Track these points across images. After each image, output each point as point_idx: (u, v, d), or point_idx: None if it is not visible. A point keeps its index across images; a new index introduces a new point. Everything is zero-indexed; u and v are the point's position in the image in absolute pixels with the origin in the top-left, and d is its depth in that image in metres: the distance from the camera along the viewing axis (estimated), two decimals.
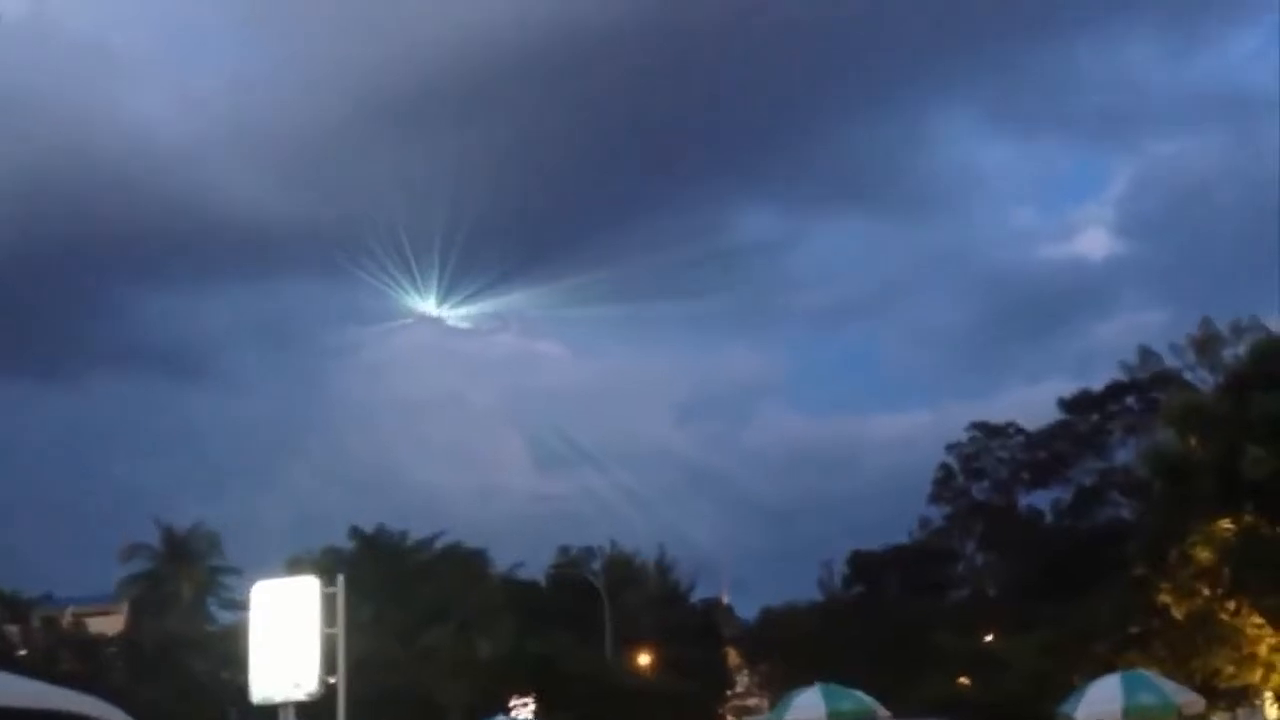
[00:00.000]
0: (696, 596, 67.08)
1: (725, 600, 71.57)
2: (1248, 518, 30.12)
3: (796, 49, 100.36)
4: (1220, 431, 30.57)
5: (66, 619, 45.60)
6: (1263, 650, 29.58)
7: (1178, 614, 31.52)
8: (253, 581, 13.54)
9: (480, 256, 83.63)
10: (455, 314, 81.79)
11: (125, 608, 47.89)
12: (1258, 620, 29.57)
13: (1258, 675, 30.13)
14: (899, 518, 63.32)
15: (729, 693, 68.26)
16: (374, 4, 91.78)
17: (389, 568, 44.29)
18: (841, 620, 61.32)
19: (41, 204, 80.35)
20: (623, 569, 61.66)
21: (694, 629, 62.40)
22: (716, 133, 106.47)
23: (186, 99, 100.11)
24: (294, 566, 33.57)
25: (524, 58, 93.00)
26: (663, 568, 64.68)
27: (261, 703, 12.73)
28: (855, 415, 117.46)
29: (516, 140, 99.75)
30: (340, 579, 13.08)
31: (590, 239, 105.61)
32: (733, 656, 70.46)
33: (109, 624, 46.46)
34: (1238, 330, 34.79)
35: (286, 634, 12.63)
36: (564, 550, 63.40)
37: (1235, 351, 33.78)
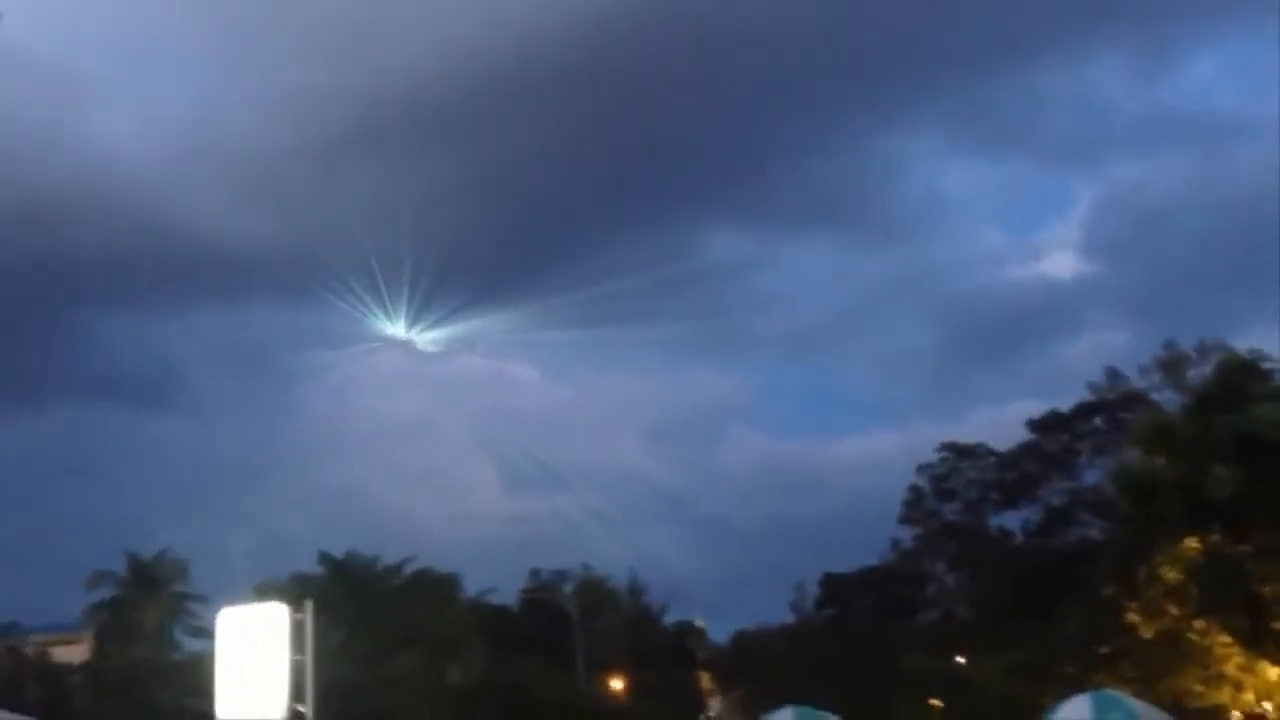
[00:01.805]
0: (669, 620, 67.17)
1: (698, 623, 71.55)
2: (1214, 537, 30.40)
3: (764, 72, 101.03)
4: (1186, 451, 30.89)
5: (31, 648, 45.02)
6: (1230, 669, 29.79)
7: (1146, 633, 31.72)
8: (220, 609, 13.44)
9: (450, 280, 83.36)
10: (425, 338, 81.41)
11: (90, 636, 47.35)
12: (1225, 639, 29.80)
13: (1226, 694, 30.33)
14: (870, 540, 63.59)
15: (702, 717, 68.10)
16: (342, 28, 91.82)
17: (358, 594, 43.96)
18: (813, 643, 61.39)
19: (1, 228, 79.66)
20: (595, 593, 61.50)
21: (666, 653, 62.35)
22: (685, 157, 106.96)
23: (151, 122, 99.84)
24: (262, 593, 33.19)
25: (493, 81, 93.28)
26: (635, 591, 64.66)
27: None
28: (825, 437, 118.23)
29: (485, 164, 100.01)
30: (309, 605, 13.02)
31: (559, 263, 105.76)
32: (705, 680, 70.35)
33: (74, 653, 45.91)
34: (1203, 351, 35.16)
35: (254, 660, 12.56)
36: (535, 574, 63.32)
37: (1201, 372, 34.12)
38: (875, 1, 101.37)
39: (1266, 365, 31.97)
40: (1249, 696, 30.18)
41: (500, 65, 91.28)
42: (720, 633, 72.23)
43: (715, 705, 71.50)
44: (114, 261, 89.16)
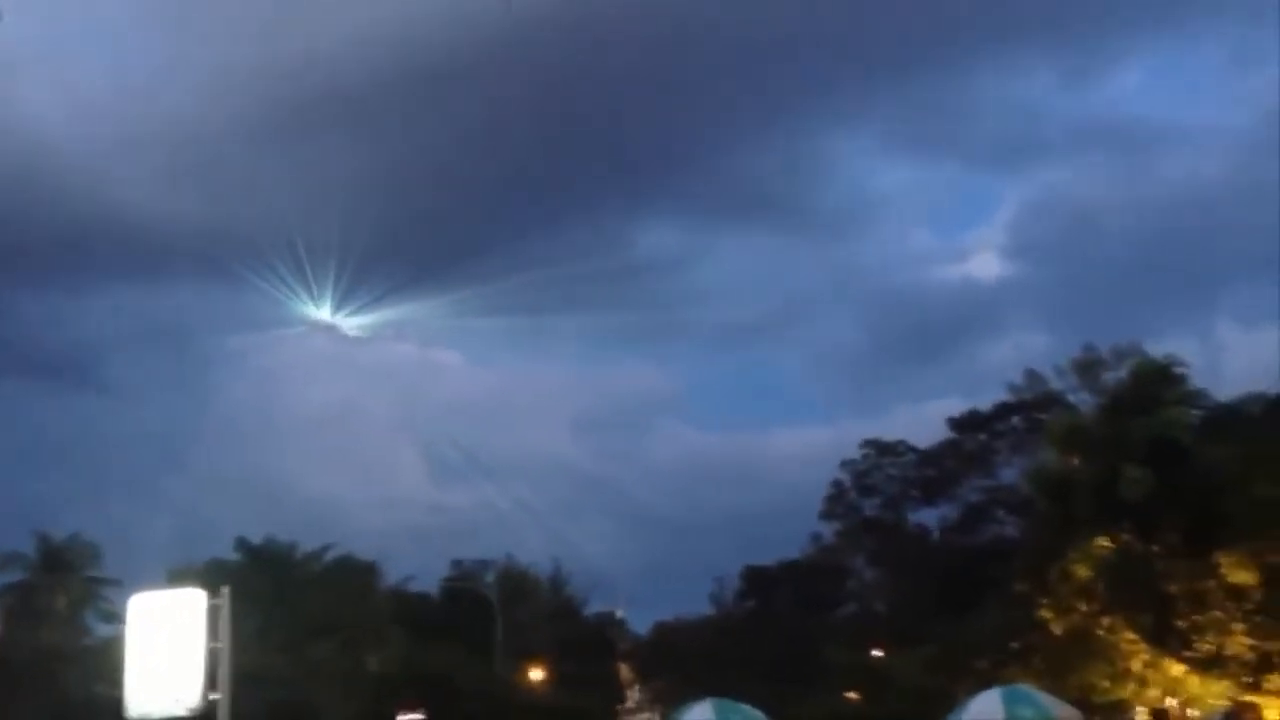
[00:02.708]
0: (590, 610, 67.20)
1: (619, 615, 71.72)
2: (1124, 536, 31.15)
3: (700, 64, 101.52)
4: (1100, 452, 31.62)
5: None
6: (1136, 665, 30.55)
7: (1057, 630, 32.42)
8: (133, 594, 13.25)
9: (377, 265, 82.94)
10: (350, 322, 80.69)
11: None
12: (1131, 636, 30.55)
13: (1130, 690, 31.11)
14: (794, 534, 64.21)
15: (620, 707, 68.33)
16: (271, 6, 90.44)
17: (276, 580, 43.49)
18: (733, 635, 61.84)
19: None
20: (517, 582, 61.42)
21: (587, 643, 62.40)
22: (618, 147, 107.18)
23: (73, 97, 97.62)
24: (176, 578, 32.83)
25: (423, 65, 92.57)
26: (557, 581, 64.60)
27: (139, 718, 12.47)
28: (753, 431, 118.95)
29: (415, 148, 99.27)
30: (225, 591, 12.89)
31: (490, 250, 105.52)
32: (625, 671, 70.59)
33: None
34: (1119, 354, 35.95)
35: (167, 647, 12.40)
36: (457, 563, 63.07)
37: (1116, 375, 34.89)
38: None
39: (1179, 370, 32.82)
40: (1154, 693, 31.00)
41: (432, 49, 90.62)
42: (642, 624, 72.66)
43: (635, 696, 71.79)
44: (33, 238, 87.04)
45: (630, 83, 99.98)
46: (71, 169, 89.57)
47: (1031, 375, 51.19)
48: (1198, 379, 33.01)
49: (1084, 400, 37.61)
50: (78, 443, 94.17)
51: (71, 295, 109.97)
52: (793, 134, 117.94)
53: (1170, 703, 31.39)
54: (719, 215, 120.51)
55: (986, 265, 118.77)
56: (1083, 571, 31.38)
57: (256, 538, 46.77)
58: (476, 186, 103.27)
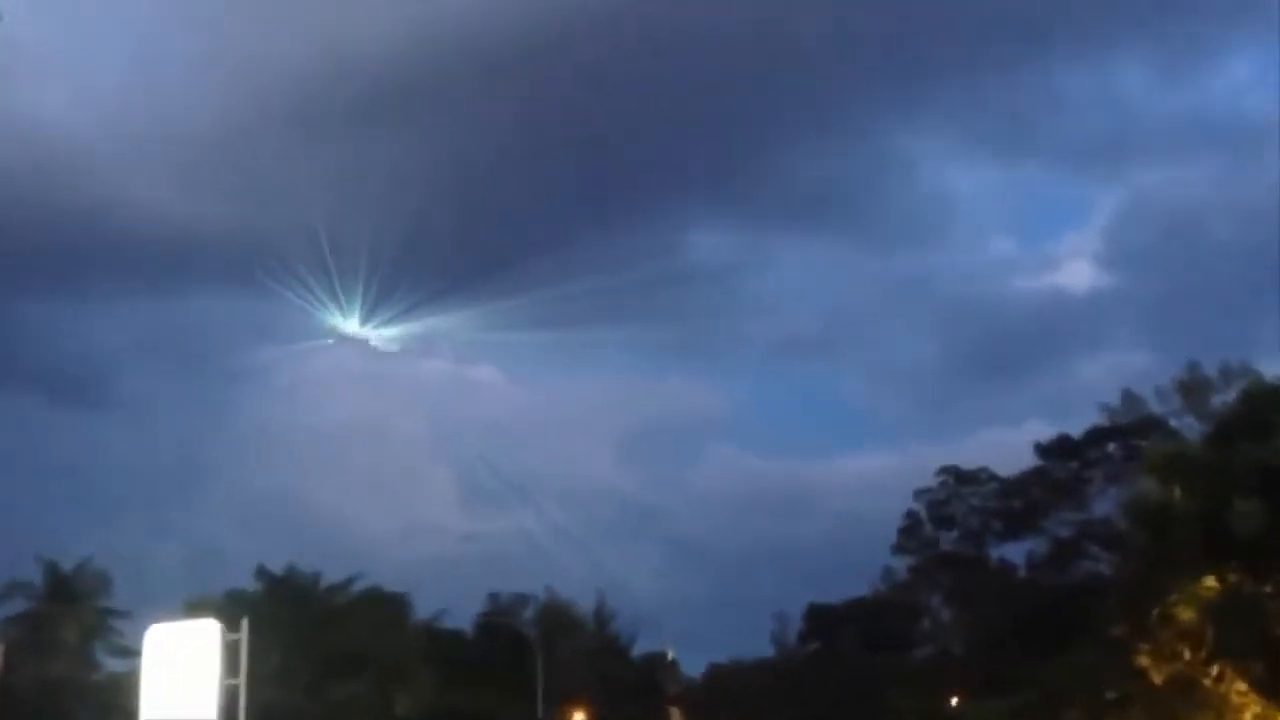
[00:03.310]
0: (638, 650, 67.07)
1: (669, 655, 71.52)
2: (1233, 576, 30.56)
3: (759, 59, 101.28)
4: (1206, 482, 31.05)
5: None
6: (1247, 719, 29.96)
7: (1157, 678, 31.87)
8: (146, 626, 13.32)
9: (410, 273, 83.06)
10: (380, 335, 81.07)
11: (0, 651, 46.89)
12: (1241, 687, 29.95)
13: None
14: (860, 569, 63.70)
15: None
16: (303, 2, 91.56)
17: (299, 613, 43.76)
18: (795, 679, 61.49)
19: None
20: (558, 619, 61.45)
21: (634, 685, 62.28)
22: (671, 148, 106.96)
23: (85, 96, 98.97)
24: (193, 610, 32.98)
25: (463, 63, 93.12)
26: (602, 618, 64.57)
27: None
28: (814, 457, 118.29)
29: (453, 151, 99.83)
30: (244, 624, 12.92)
31: (530, 258, 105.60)
32: (676, 717, 70.33)
33: None
34: (1227, 375, 35.47)
35: (182, 683, 12.44)
36: (494, 597, 63.22)
37: (1224, 398, 34.38)
38: None
39: None
40: None
41: (470, 46, 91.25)
42: (693, 666, 72.37)
43: None
44: (41, 244, 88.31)
45: (683, 80, 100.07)
46: (80, 168, 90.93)
47: (1129, 397, 50.78)
48: None
49: (1188, 425, 37.19)
50: (88, 464, 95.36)
51: (82, 306, 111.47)
52: (859, 133, 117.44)
53: None
54: (778, 220, 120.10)
55: (1078, 275, 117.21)
56: (1186, 614, 30.81)
57: (278, 567, 47.17)
58: (518, 190, 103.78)
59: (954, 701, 53.28)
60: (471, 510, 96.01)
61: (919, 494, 61.57)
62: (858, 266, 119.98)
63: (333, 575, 47.79)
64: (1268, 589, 30.20)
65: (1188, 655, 31.17)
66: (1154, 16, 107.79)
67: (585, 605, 63.89)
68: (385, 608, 48.14)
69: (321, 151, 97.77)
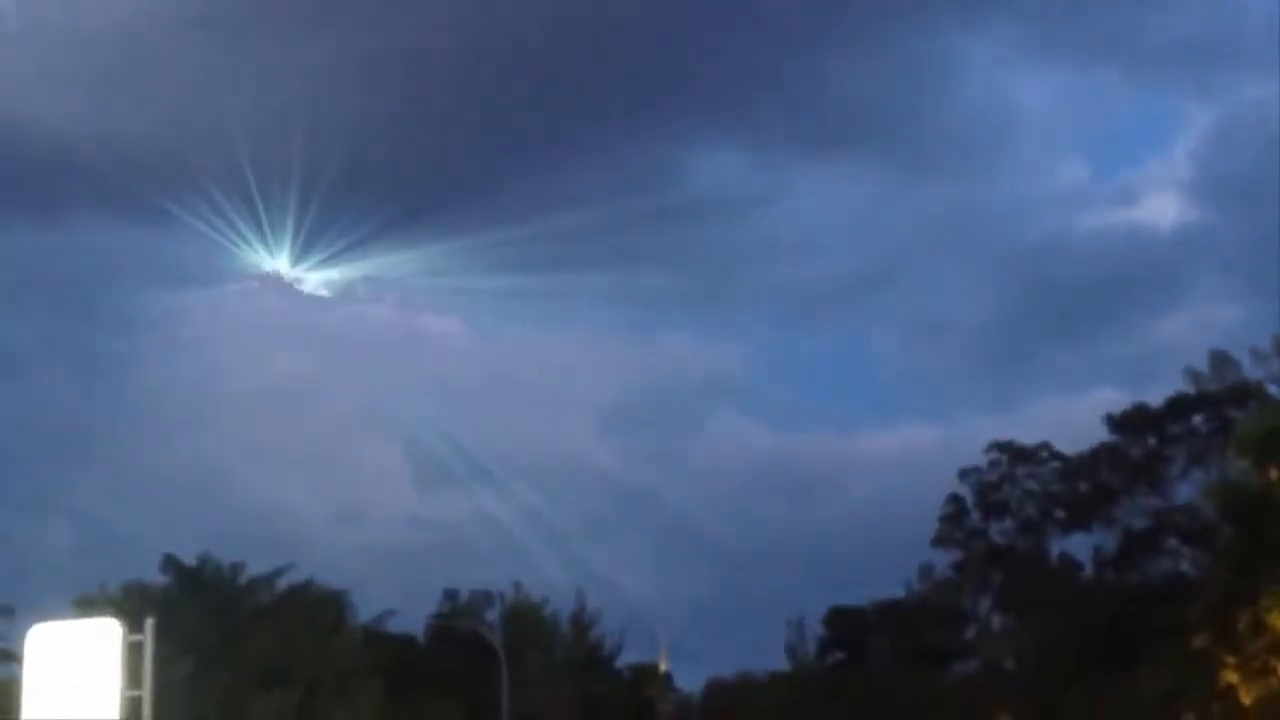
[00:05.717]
0: (623, 661, 67.50)
1: (662, 667, 72.04)
2: None
3: None
4: None
5: None
6: None
7: (1245, 698, 32.26)
8: (29, 625, 13.45)
9: (353, 203, 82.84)
10: (314, 277, 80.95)
11: None
12: None
13: None
14: (893, 566, 64.02)
15: None
16: None
17: (215, 611, 44.06)
18: (813, 697, 61.96)
19: None
20: (527, 622, 61.82)
21: (619, 702, 62.74)
22: (669, 54, 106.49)
23: None
24: (86, 607, 33.27)
25: None
26: (580, 622, 64.94)
27: None
28: (839, 430, 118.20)
29: (405, 53, 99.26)
30: (149, 624, 13.05)
31: (499, 186, 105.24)
32: None
33: None
34: None
35: (74, 694, 12.58)
36: (451, 596, 63.54)
37: None
38: None
39: None
40: None
41: None
42: (691, 680, 72.85)
43: None
44: None
45: None
46: None
47: (1219, 359, 50.99)
48: None
49: None
50: None
51: None
52: (896, 37, 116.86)
53: None
54: (801, 143, 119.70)
55: (1161, 210, 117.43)
56: None
57: (189, 556, 47.41)
58: (485, 103, 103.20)
59: None
60: (425, 491, 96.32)
61: (965, 474, 61.90)
62: (895, 198, 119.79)
63: (256, 567, 48.15)
64: None
65: None
66: None
67: (561, 606, 64.34)
68: (320, 607, 48.45)
69: (242, 53, 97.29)
